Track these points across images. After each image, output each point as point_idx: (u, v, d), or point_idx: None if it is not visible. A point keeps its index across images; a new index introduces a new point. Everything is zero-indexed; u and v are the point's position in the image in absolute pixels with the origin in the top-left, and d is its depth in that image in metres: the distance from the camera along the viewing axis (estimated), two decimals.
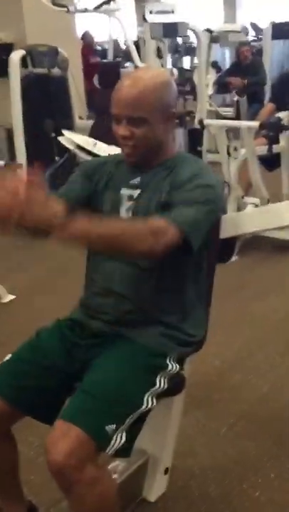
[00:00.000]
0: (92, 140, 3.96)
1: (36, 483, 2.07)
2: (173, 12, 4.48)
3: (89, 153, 3.78)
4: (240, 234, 3.75)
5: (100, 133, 4.78)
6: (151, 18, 4.33)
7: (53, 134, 4.95)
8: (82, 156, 3.91)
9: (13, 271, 4.20)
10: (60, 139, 3.96)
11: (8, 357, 1.72)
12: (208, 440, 2.38)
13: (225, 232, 1.99)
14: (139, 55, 5.57)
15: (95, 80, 6.61)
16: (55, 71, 5.36)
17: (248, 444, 2.34)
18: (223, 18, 16.63)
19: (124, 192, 1.70)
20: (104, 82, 5.68)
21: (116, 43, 8.51)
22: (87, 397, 1.54)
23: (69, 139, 3.98)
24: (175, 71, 7.30)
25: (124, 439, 1.53)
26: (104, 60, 5.69)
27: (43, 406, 1.65)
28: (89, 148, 3.73)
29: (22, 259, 4.34)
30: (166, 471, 2.06)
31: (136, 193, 1.68)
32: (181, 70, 7.00)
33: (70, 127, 5.36)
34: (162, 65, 5.90)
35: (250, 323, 3.35)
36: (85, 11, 5.06)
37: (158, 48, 5.62)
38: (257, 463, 2.24)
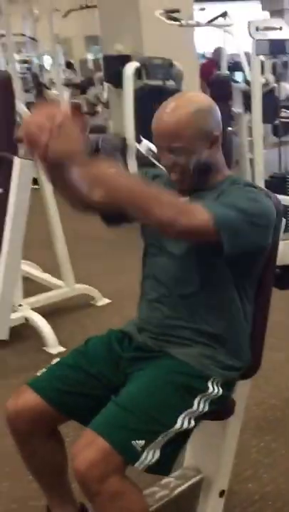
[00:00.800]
0: None
1: None
2: (281, 29, 4.37)
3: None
4: None
5: None
6: (258, 35, 4.24)
7: None
8: (155, 163, 3.99)
9: (109, 275, 4.30)
10: (137, 145, 4.05)
11: (55, 361, 1.77)
12: (274, 466, 2.29)
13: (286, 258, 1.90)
14: None
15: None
16: (170, 83, 5.41)
17: None
18: None
19: None
20: (216, 94, 5.63)
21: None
22: (117, 410, 1.54)
23: (146, 145, 4.10)
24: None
25: (156, 456, 1.51)
26: (218, 73, 5.66)
27: (85, 411, 1.66)
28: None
29: (119, 264, 4.43)
30: (221, 493, 1.99)
31: None
32: None
33: None
34: (267, 81, 5.78)
35: None
36: (198, 25, 5.06)
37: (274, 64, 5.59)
38: None
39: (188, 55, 5.77)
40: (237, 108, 5.40)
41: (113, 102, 6.10)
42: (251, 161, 6.08)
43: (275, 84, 6.15)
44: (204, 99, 1.66)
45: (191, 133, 1.57)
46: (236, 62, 6.88)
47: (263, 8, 4.67)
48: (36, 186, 3.41)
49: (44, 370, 1.74)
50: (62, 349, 3.26)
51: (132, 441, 1.48)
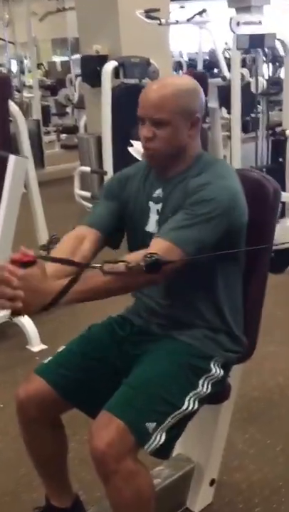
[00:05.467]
0: None
1: (87, 480, 2.12)
2: (260, 23, 4.44)
3: None
4: None
5: None
6: (238, 30, 4.30)
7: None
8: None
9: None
10: (130, 149, 3.97)
11: (60, 349, 1.80)
12: (260, 456, 2.34)
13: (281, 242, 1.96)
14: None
15: None
16: (146, 82, 5.45)
17: None
18: None
19: (151, 205, 1.73)
20: None
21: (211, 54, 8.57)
22: (131, 391, 1.58)
23: (137, 149, 3.94)
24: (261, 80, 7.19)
25: (163, 439, 1.55)
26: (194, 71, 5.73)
27: (89, 398, 1.70)
28: None
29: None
30: (212, 482, 2.05)
31: (159, 206, 1.71)
32: (278, 79, 6.90)
33: None
34: (251, 76, 5.84)
35: None
36: (177, 23, 5.12)
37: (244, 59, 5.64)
38: None
39: (163, 54, 5.82)
40: (212, 103, 5.47)
41: (90, 101, 6.11)
42: (225, 157, 6.16)
43: (251, 79, 6.23)
44: (193, 82, 1.71)
45: (175, 107, 1.61)
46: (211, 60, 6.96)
47: (229, 6, 4.69)
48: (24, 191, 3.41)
49: (50, 357, 1.77)
50: (44, 347, 3.27)
51: (146, 423, 1.52)
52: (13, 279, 1.37)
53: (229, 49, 8.39)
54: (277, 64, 6.84)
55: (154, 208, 1.72)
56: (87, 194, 5.27)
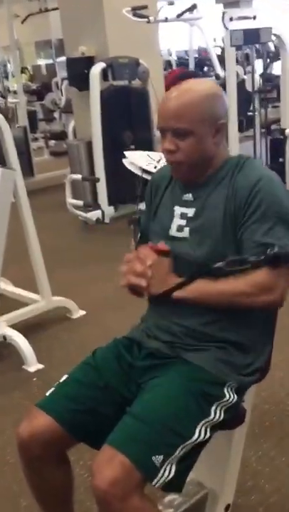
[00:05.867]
0: (157, 154, 3.78)
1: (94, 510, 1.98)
2: (254, 18, 4.32)
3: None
4: None
5: None
6: (232, 25, 4.18)
7: (132, 147, 4.91)
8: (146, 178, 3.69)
9: (83, 285, 4.19)
10: (124, 161, 3.79)
11: (64, 378, 1.67)
12: (275, 475, 2.21)
13: None
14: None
15: None
16: (136, 83, 5.33)
17: None
18: None
19: (177, 209, 1.64)
20: None
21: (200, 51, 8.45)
22: (136, 423, 1.46)
23: (132, 162, 3.76)
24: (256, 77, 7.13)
25: (173, 472, 1.43)
26: (185, 70, 5.59)
27: (95, 431, 1.58)
28: (151, 168, 3.53)
29: (92, 273, 4.32)
30: (227, 508, 1.91)
31: (191, 211, 1.61)
32: (269, 76, 6.80)
33: (149, 139, 5.31)
34: (245, 72, 5.73)
35: None
36: (166, 20, 4.97)
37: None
38: None
39: (152, 53, 5.70)
40: None
41: (78, 106, 5.97)
42: None
43: (245, 77, 6.11)
44: (214, 86, 1.62)
45: (198, 115, 1.52)
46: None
47: (217, 1, 4.57)
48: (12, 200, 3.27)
49: (53, 389, 1.64)
50: (40, 366, 3.14)
51: (152, 457, 1.41)
52: (149, 258, 1.55)
53: (218, 46, 8.36)
54: (269, 60, 6.77)
55: (182, 211, 1.64)
56: (80, 203, 5.14)
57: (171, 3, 5.39)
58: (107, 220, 5.10)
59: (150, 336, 1.67)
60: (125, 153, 3.87)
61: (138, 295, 1.63)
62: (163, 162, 3.69)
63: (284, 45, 4.63)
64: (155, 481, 1.41)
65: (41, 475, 1.63)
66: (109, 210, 5.23)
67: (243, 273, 1.49)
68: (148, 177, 3.50)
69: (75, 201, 5.14)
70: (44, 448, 1.57)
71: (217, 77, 5.16)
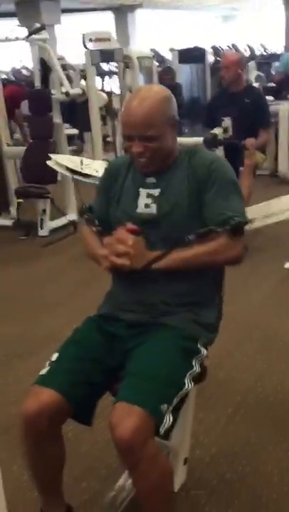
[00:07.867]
0: (78, 159, 4.01)
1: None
2: (109, 40, 4.76)
3: (80, 174, 3.86)
4: None
5: (37, 158, 4.86)
6: (91, 46, 4.58)
7: None
8: (77, 178, 3.96)
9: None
10: (49, 163, 3.97)
11: (55, 356, 1.81)
12: (210, 431, 2.52)
13: None
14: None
15: (24, 107, 6.71)
16: None
17: (248, 428, 2.53)
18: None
19: (142, 191, 1.87)
20: (36, 109, 5.72)
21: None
22: (139, 380, 1.66)
23: (58, 162, 3.96)
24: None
25: (171, 419, 1.65)
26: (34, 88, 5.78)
27: (90, 402, 1.77)
28: (78, 169, 3.78)
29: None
30: (185, 461, 2.18)
31: (156, 191, 1.85)
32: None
33: None
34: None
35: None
36: (17, 39, 5.20)
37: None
38: (261, 442, 2.43)
39: None
40: (56, 119, 5.61)
41: None
42: None
43: None
44: (164, 89, 1.86)
45: (161, 120, 1.77)
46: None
47: (21, 24, 4.94)
48: None
49: (48, 367, 1.77)
50: None
51: (161, 406, 1.62)
52: (129, 239, 1.76)
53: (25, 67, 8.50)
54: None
55: (147, 192, 1.86)
56: None
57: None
58: None
59: (125, 310, 1.87)
60: (51, 155, 4.07)
61: (124, 270, 1.80)
62: (86, 164, 3.95)
63: (134, 65, 5.09)
64: (161, 428, 1.62)
65: (42, 448, 1.74)
66: None
67: (208, 240, 1.79)
68: (75, 177, 3.75)
69: None
70: (50, 422, 1.68)
71: (67, 94, 5.42)
